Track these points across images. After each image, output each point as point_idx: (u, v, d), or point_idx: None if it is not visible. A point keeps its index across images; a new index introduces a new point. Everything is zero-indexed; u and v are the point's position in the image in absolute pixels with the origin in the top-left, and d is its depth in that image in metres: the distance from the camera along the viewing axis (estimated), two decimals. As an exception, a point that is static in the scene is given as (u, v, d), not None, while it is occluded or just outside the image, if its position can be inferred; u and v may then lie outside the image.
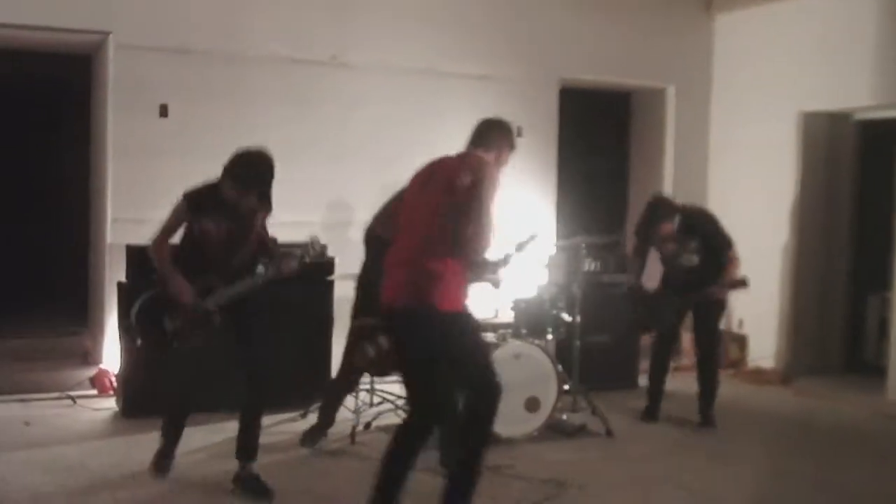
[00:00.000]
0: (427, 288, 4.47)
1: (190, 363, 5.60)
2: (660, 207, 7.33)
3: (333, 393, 6.61)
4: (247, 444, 5.44)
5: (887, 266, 8.40)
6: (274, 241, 5.78)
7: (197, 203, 5.53)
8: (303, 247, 5.63)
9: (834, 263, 9.40)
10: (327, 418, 6.51)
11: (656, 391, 7.46)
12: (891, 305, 8.42)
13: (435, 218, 4.56)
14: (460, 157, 4.89)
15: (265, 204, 5.61)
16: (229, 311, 5.43)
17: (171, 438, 5.64)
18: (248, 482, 5.39)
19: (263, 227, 5.69)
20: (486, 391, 4.70)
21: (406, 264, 4.59)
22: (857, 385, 8.78)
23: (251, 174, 5.48)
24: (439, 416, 4.72)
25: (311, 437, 6.42)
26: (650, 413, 7.43)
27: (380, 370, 6.33)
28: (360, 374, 6.61)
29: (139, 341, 5.49)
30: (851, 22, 8.74)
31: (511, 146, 5.17)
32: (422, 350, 4.58)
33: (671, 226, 7.20)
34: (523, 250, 6.52)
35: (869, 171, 9.36)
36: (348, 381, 6.62)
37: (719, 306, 7.39)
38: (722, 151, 10.11)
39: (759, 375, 9.10)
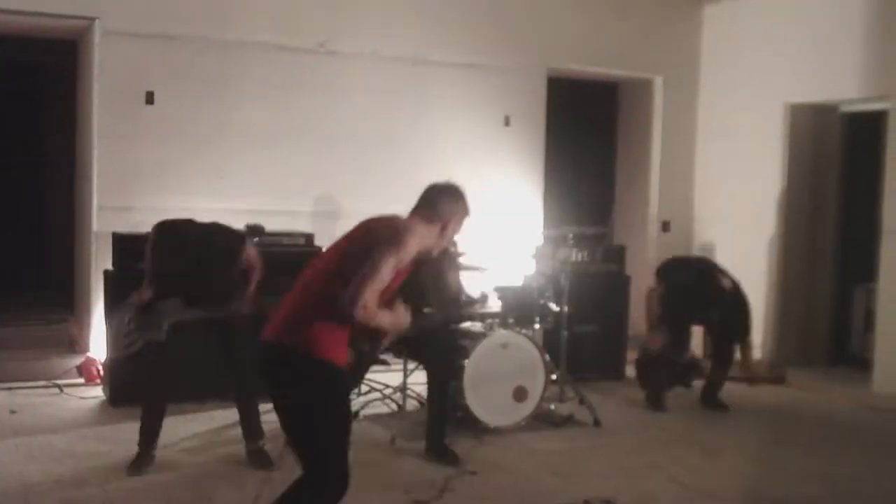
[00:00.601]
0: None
1: (168, 355, 5.69)
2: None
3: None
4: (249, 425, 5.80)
5: (873, 258, 8.43)
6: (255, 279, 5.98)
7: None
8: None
9: (820, 255, 9.44)
10: None
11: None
12: (876, 297, 8.46)
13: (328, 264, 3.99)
14: (389, 218, 4.17)
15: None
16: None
17: (150, 437, 5.62)
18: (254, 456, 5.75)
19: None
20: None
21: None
22: (842, 377, 8.83)
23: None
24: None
25: None
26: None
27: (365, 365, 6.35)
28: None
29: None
30: (838, 14, 8.76)
31: (464, 213, 4.40)
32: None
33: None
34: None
35: (854, 163, 9.40)
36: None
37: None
38: (709, 142, 10.13)
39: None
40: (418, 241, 3.98)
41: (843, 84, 8.76)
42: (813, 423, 7.26)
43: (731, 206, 9.55)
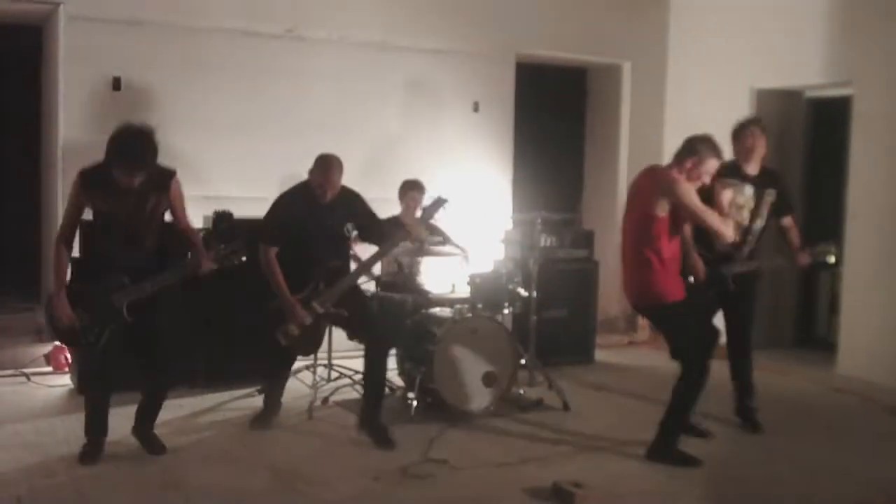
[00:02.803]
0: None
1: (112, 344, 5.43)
2: None
3: (273, 378, 6.50)
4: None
5: (837, 243, 8.50)
6: (195, 232, 5.72)
7: (90, 181, 5.37)
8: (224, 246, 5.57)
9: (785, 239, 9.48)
10: (273, 403, 6.44)
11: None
12: (841, 281, 8.55)
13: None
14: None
15: (160, 187, 5.42)
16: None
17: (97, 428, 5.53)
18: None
19: (182, 213, 5.55)
20: None
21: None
22: (807, 359, 8.95)
23: (133, 154, 5.24)
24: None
25: (260, 421, 6.32)
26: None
27: (305, 348, 6.37)
28: (290, 355, 6.48)
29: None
30: (804, 1, 8.82)
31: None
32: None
33: None
34: (433, 216, 6.52)
35: (819, 148, 9.49)
36: (282, 363, 6.49)
37: None
38: (677, 128, 10.08)
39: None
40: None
41: (808, 70, 8.84)
42: (777, 405, 7.33)
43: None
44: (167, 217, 5.53)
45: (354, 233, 6.35)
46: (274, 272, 6.03)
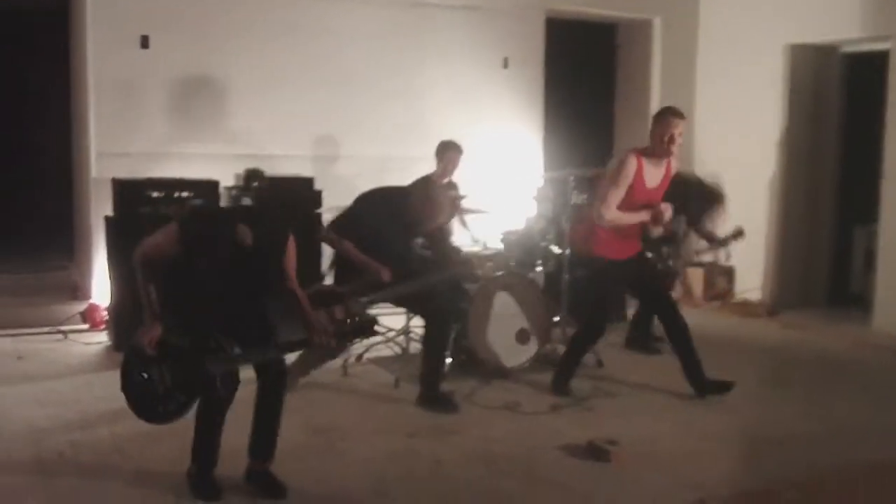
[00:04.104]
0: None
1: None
2: None
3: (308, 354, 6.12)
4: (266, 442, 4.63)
5: (873, 198, 8.44)
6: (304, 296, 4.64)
7: (190, 230, 4.37)
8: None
9: (820, 196, 9.44)
10: (305, 366, 6.19)
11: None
12: (877, 237, 8.48)
13: None
14: None
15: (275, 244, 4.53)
16: None
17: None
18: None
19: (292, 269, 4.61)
20: None
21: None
22: (842, 316, 8.90)
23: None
24: None
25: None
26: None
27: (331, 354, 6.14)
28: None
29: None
30: (841, -48, 8.68)
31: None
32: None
33: None
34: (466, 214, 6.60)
35: (855, 103, 9.36)
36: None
37: None
38: (708, 84, 10.07)
39: (745, 308, 9.17)
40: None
41: (844, 24, 8.70)
42: (812, 363, 7.30)
43: (731, 147, 9.50)
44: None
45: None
46: (350, 254, 5.92)
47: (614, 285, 6.45)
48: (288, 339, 4.52)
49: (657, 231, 6.28)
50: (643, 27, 10.21)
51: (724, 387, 6.10)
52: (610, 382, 6.54)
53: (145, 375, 4.32)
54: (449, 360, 6.45)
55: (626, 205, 5.81)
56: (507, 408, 5.90)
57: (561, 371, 6.30)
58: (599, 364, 6.91)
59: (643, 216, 5.88)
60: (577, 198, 8.13)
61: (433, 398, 5.89)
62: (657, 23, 10.13)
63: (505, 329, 6.57)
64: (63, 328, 7.50)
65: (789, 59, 9.20)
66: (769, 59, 9.27)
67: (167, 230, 4.32)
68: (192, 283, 4.31)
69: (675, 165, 6.10)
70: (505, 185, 8.80)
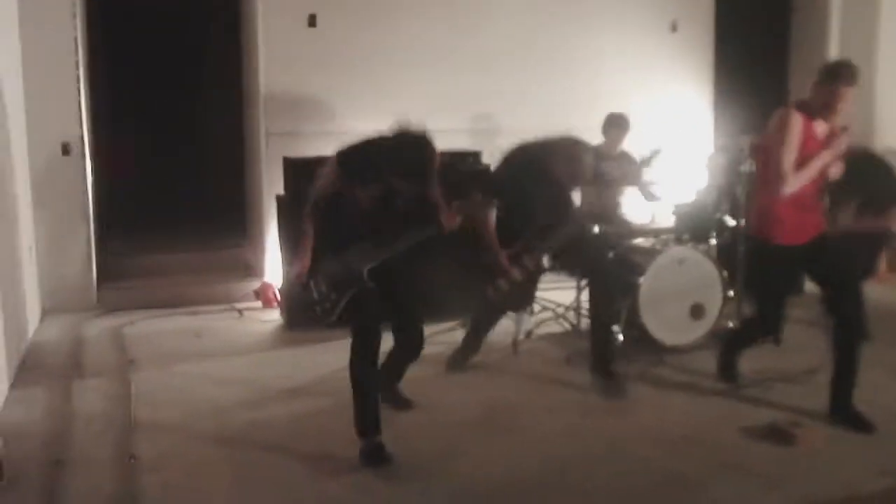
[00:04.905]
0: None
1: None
2: None
3: (480, 326, 6.26)
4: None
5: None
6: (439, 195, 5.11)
7: (349, 170, 4.85)
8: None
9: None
10: (474, 346, 6.23)
11: None
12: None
13: None
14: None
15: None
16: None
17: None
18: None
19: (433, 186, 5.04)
20: None
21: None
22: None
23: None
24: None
25: (456, 361, 6.17)
26: None
27: (515, 304, 6.24)
28: (500, 309, 6.29)
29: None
30: None
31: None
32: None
33: None
34: (649, 165, 6.30)
35: None
36: (491, 316, 6.28)
37: None
38: (891, 48, 9.50)
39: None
40: None
41: None
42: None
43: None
44: None
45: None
46: (487, 226, 5.83)
47: (790, 274, 5.71)
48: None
49: (836, 171, 5.40)
50: (820, -13, 9.73)
51: (863, 425, 5.05)
52: (786, 359, 6.23)
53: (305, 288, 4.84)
54: (620, 338, 6.32)
55: (800, 165, 5.12)
56: (682, 387, 5.73)
57: (726, 355, 5.81)
58: (777, 341, 6.61)
59: (824, 157, 5.10)
60: (751, 166, 7.86)
61: (604, 374, 5.77)
62: (836, -17, 9.63)
63: (678, 305, 6.39)
64: (238, 306, 7.70)
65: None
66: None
67: (327, 171, 4.85)
68: (351, 216, 4.80)
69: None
70: (676, 154, 8.54)
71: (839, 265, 5.28)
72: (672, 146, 8.51)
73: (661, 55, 8.97)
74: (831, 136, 5.16)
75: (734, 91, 9.51)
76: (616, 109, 7.53)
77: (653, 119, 8.53)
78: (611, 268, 6.18)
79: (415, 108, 8.00)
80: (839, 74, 5.07)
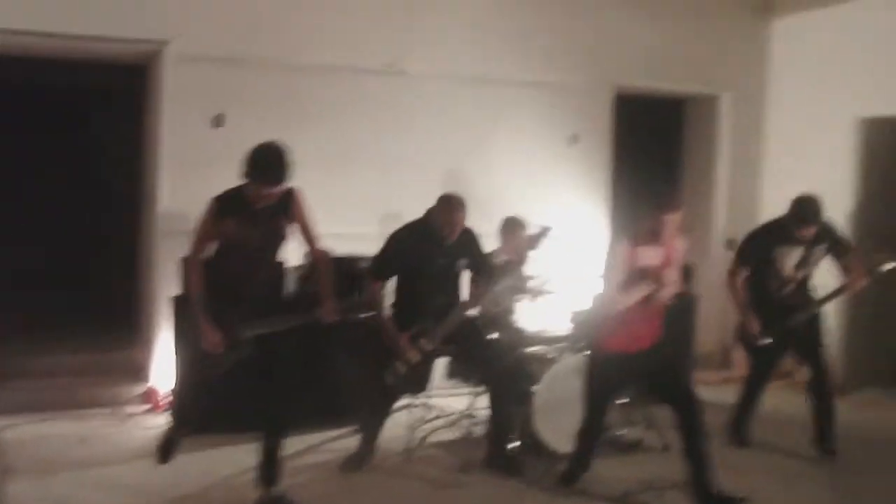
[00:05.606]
0: None
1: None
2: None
3: (372, 418, 6.34)
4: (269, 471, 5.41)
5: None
6: (327, 264, 5.60)
7: (224, 207, 5.33)
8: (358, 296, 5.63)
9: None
10: (369, 445, 6.29)
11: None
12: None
13: None
14: None
15: (285, 206, 5.37)
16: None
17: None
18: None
19: (310, 231, 5.53)
20: None
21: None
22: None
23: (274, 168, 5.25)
24: None
25: (354, 463, 6.20)
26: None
27: (410, 387, 6.26)
28: (394, 395, 6.36)
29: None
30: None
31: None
32: None
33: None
34: (536, 245, 6.42)
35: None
36: (384, 403, 6.34)
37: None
38: (777, 160, 9.90)
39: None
40: None
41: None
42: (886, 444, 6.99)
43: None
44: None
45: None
46: (379, 307, 5.96)
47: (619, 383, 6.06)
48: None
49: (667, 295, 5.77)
50: (711, 103, 10.11)
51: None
52: (675, 465, 6.23)
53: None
54: (517, 443, 6.33)
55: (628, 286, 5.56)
56: (575, 494, 5.75)
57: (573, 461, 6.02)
58: (665, 448, 6.68)
59: (644, 289, 5.55)
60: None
61: (502, 456, 6.01)
62: (725, 99, 10.03)
63: (572, 413, 6.40)
64: (125, 410, 7.47)
65: (862, 134, 9.02)
66: (840, 134, 9.09)
67: (204, 221, 5.31)
68: (220, 260, 5.29)
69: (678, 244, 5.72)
70: (572, 263, 8.67)
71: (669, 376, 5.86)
72: (568, 252, 8.70)
73: (561, 166, 9.17)
74: (665, 261, 5.56)
75: (630, 202, 9.73)
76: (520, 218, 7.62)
77: (553, 227, 8.65)
78: (507, 375, 6.22)
79: (324, 211, 8.05)
80: (662, 203, 5.44)
